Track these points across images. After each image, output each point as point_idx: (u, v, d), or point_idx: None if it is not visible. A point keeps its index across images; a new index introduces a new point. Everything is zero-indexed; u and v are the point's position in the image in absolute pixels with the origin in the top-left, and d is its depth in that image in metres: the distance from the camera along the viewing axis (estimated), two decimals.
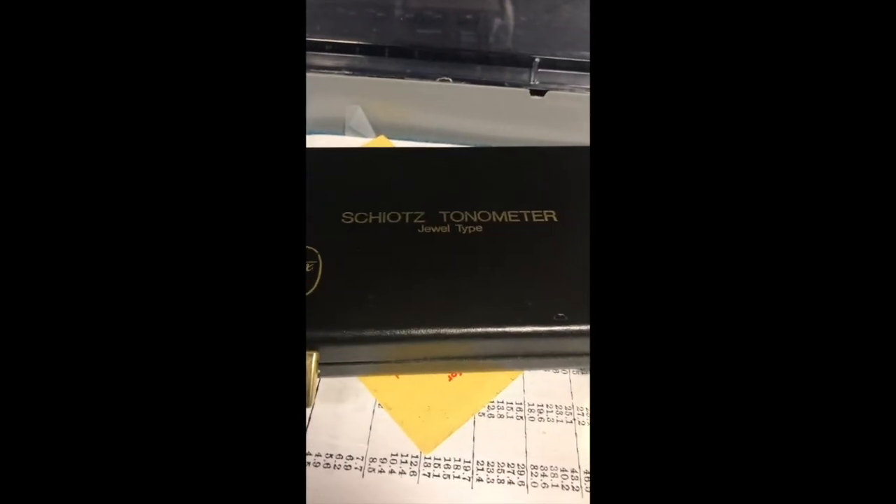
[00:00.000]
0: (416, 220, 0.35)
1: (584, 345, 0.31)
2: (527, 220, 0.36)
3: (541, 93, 0.47)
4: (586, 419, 0.33)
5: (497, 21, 0.50)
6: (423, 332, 0.30)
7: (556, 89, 0.48)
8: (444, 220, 0.35)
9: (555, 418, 0.33)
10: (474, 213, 0.36)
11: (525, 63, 0.49)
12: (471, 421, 0.32)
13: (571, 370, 0.35)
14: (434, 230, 0.35)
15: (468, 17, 0.51)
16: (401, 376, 0.34)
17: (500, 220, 0.36)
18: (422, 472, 0.30)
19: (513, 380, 0.34)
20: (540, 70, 0.49)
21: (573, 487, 0.30)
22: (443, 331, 0.30)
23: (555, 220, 0.36)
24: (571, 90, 0.48)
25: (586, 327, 0.30)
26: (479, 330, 0.30)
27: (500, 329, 0.30)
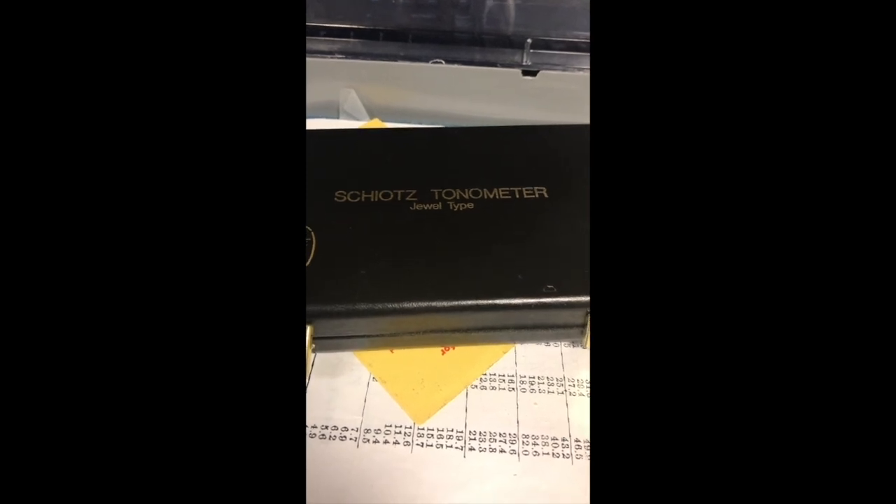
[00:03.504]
0: (408, 198, 0.35)
1: (574, 316, 0.32)
2: (518, 196, 0.36)
3: (533, 73, 0.48)
4: (577, 390, 0.33)
5: (490, 3, 0.50)
6: (414, 304, 0.30)
7: (549, 69, 0.48)
8: (436, 197, 0.36)
9: (546, 390, 0.33)
10: (466, 190, 0.36)
11: (518, 44, 0.49)
12: (463, 393, 0.33)
13: (563, 343, 0.35)
14: (426, 207, 0.35)
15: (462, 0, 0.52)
16: (395, 351, 0.34)
17: (492, 196, 0.36)
18: (415, 442, 0.31)
19: (505, 353, 0.35)
20: (532, 51, 0.49)
21: (563, 455, 0.31)
22: (434, 304, 0.30)
23: (545, 195, 0.36)
24: (564, 70, 0.49)
25: (575, 299, 0.31)
26: (470, 302, 0.31)
27: (490, 301, 0.31)
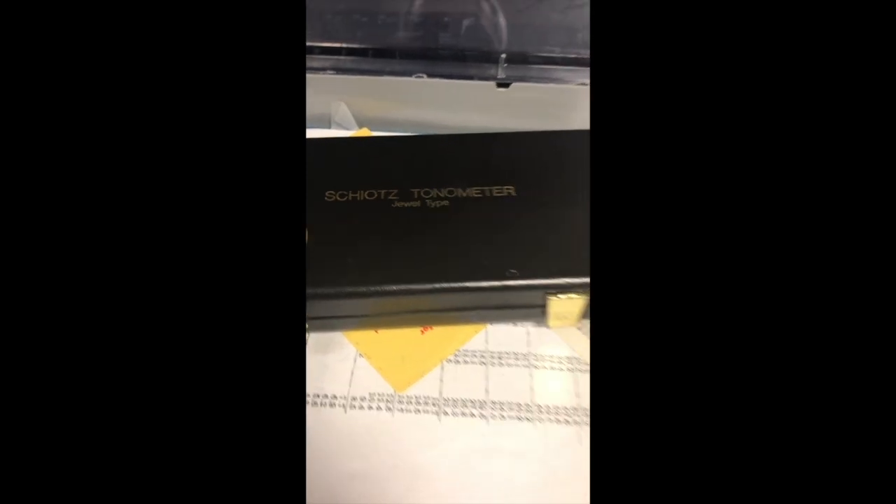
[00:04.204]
0: (389, 197, 0.40)
1: (535, 297, 0.36)
2: (489, 194, 0.41)
3: (506, 85, 0.52)
4: (540, 363, 0.37)
5: (468, 22, 0.55)
6: (394, 287, 0.35)
7: (521, 82, 0.53)
8: (415, 196, 0.40)
9: (513, 363, 0.37)
10: (442, 189, 0.41)
11: (493, 59, 0.54)
12: (439, 366, 0.37)
13: (528, 324, 0.40)
14: (406, 205, 0.40)
15: (445, 19, 0.56)
16: (379, 331, 0.39)
17: (465, 195, 0.41)
18: (396, 409, 0.35)
19: (477, 332, 0.39)
20: (506, 65, 0.54)
21: (527, 419, 0.35)
22: (411, 286, 0.35)
23: (513, 194, 0.41)
24: (535, 82, 0.53)
25: (535, 281, 0.35)
26: (443, 285, 0.35)
27: (459, 284, 0.35)
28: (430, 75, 0.54)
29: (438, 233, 0.38)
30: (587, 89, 0.52)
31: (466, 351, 0.38)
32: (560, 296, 0.35)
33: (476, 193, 0.41)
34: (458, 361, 0.38)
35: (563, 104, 0.54)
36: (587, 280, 0.35)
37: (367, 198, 0.40)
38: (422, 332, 0.39)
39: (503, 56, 0.54)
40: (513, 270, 0.35)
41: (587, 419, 0.34)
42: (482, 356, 0.38)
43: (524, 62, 0.54)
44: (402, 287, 0.35)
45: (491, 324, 0.39)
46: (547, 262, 0.36)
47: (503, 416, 0.35)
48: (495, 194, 0.41)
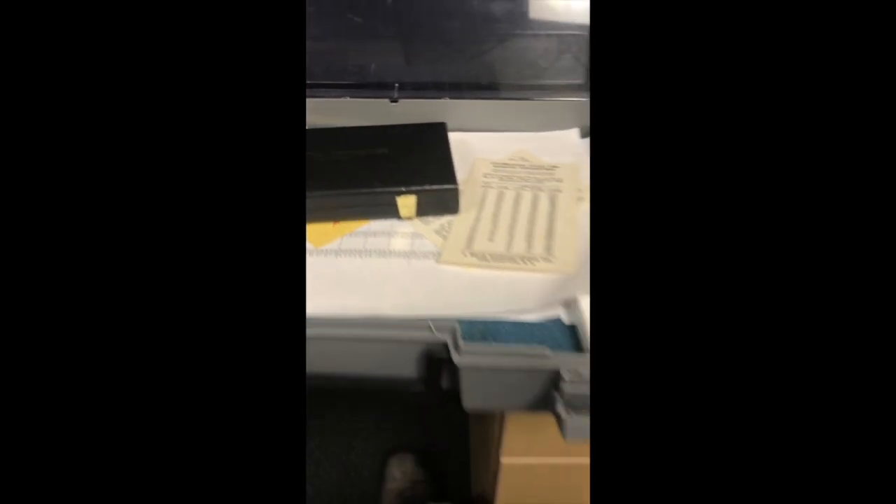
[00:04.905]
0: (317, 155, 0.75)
1: (392, 199, 0.70)
2: (374, 153, 0.76)
3: (395, 101, 0.88)
4: (396, 232, 0.71)
5: (374, 65, 0.91)
6: (319, 193, 0.69)
7: (407, 98, 0.88)
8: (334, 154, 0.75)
9: (380, 234, 0.71)
10: (350, 151, 0.76)
11: (391, 87, 0.90)
12: (349, 234, 0.71)
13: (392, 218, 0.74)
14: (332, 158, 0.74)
15: (371, 65, 0.92)
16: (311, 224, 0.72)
17: (363, 153, 0.76)
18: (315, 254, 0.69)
19: (360, 226, 0.73)
20: (399, 89, 0.89)
21: (389, 256, 0.69)
22: (329, 192, 0.69)
23: (387, 154, 0.76)
24: (417, 98, 0.88)
25: (391, 188, 0.70)
26: (351, 190, 0.69)
27: (355, 191, 0.69)
28: (352, 96, 0.89)
29: (348, 172, 0.72)
30: (453, 101, 0.85)
31: (359, 231, 0.72)
32: (404, 197, 0.70)
33: (366, 153, 0.76)
34: (358, 234, 0.72)
35: (435, 114, 0.90)
36: (419, 187, 0.69)
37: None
38: (333, 224, 0.73)
39: (396, 85, 0.89)
40: (402, 188, 0.70)
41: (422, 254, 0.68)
42: (365, 231, 0.72)
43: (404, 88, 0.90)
44: (325, 193, 0.69)
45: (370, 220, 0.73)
46: (397, 181, 0.70)
47: (376, 253, 0.69)
48: (378, 153, 0.76)
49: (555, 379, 0.49)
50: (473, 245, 0.67)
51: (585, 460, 0.63)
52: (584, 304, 0.56)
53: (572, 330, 0.56)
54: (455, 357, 0.49)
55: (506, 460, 0.76)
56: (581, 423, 0.45)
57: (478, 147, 0.83)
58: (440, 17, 0.88)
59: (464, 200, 0.72)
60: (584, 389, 0.47)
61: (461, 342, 0.50)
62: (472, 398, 0.54)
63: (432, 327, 0.51)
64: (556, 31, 0.87)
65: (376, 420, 1.35)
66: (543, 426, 0.67)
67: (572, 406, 0.47)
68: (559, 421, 0.47)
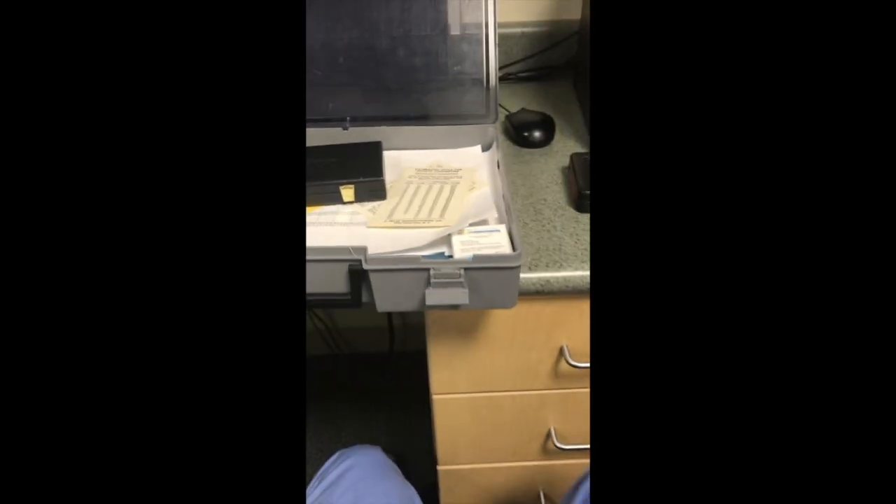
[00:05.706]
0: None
1: (336, 189, 1.00)
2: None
3: (346, 129, 1.19)
4: (340, 213, 1.01)
5: (332, 104, 1.23)
6: None
7: (355, 126, 1.20)
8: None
9: (332, 211, 1.01)
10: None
11: (344, 119, 1.21)
12: (310, 213, 1.00)
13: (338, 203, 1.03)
14: None
15: (329, 104, 1.24)
16: None
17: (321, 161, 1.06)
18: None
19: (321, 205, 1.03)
20: (350, 121, 1.21)
21: (335, 225, 0.98)
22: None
23: (336, 161, 1.06)
24: (363, 126, 1.20)
25: (337, 181, 1.00)
26: (314, 184, 0.99)
27: (313, 184, 1.00)
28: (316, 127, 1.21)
29: (310, 174, 1.03)
30: (390, 128, 1.16)
31: (316, 211, 1.02)
32: (346, 187, 1.00)
33: (321, 161, 1.06)
34: (312, 213, 1.01)
35: (376, 137, 1.21)
36: (356, 180, 0.99)
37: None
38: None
39: (347, 119, 1.21)
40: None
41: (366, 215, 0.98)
42: (318, 212, 1.01)
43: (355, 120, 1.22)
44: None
45: (324, 204, 1.03)
46: (341, 176, 1.00)
47: (326, 224, 0.98)
48: (330, 161, 1.06)
49: (427, 277, 0.78)
50: (394, 215, 0.97)
51: (494, 393, 0.92)
52: (455, 242, 0.85)
53: (449, 257, 0.86)
54: (364, 265, 0.79)
55: (436, 397, 1.04)
56: (439, 295, 0.74)
57: (406, 160, 1.14)
58: (380, 69, 1.21)
59: (391, 192, 1.02)
60: (446, 279, 0.76)
61: (369, 257, 0.80)
62: (383, 301, 0.83)
63: (351, 249, 0.80)
64: (466, 76, 1.19)
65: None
66: (460, 367, 0.98)
67: (436, 287, 0.76)
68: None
